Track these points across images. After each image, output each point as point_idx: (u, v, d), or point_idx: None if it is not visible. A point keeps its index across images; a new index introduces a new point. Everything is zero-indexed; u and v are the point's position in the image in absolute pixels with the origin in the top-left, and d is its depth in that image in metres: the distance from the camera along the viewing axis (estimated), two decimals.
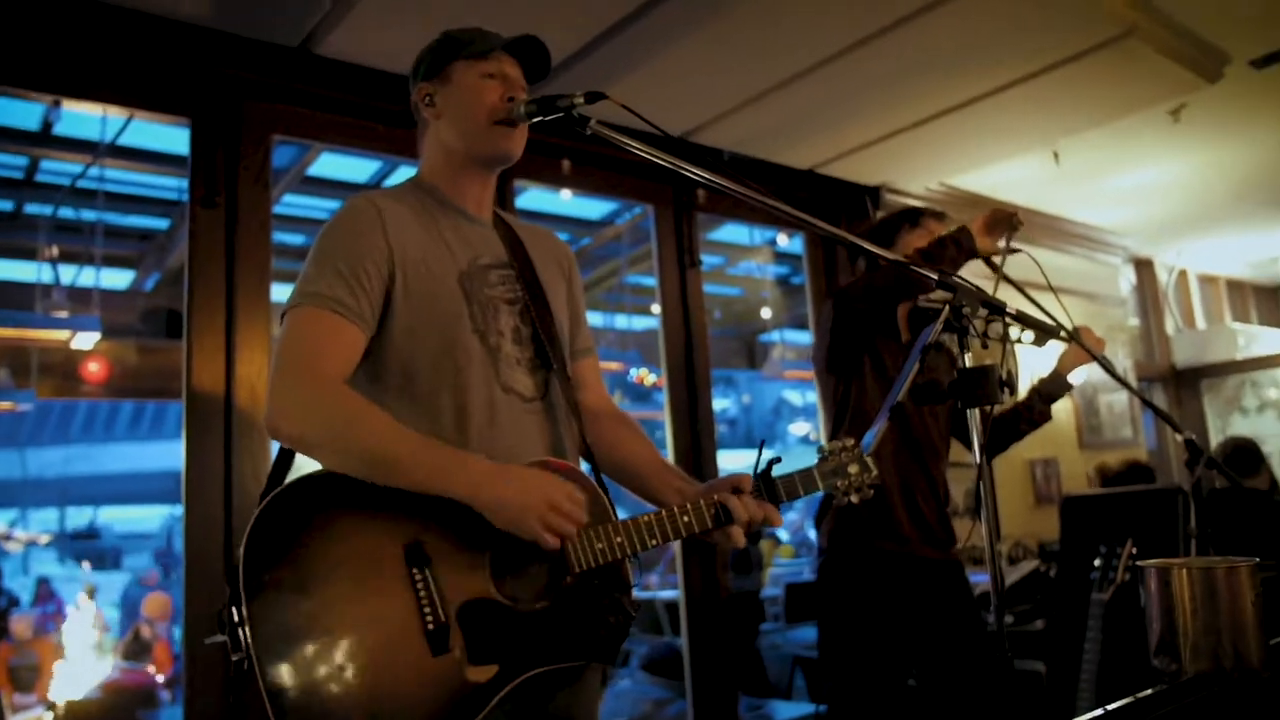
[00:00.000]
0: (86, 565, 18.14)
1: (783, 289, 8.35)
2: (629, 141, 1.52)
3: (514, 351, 1.63)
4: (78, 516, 21.55)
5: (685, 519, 1.56)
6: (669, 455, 4.14)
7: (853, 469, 1.67)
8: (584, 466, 1.66)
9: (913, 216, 2.83)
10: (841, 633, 2.66)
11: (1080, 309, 6.02)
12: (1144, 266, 7.41)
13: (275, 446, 1.54)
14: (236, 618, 1.33)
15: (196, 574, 2.84)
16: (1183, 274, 7.76)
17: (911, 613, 2.61)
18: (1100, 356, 2.45)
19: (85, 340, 4.93)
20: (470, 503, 1.40)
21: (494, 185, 1.78)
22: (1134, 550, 2.84)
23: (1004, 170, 5.02)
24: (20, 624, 7.71)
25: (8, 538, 18.10)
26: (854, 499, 1.68)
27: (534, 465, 1.54)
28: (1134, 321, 7.28)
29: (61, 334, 4.83)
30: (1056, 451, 5.90)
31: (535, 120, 1.58)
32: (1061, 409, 6.09)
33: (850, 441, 1.69)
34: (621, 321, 8.28)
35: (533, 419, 1.63)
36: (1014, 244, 2.56)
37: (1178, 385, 7.47)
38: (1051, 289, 2.50)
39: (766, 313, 8.19)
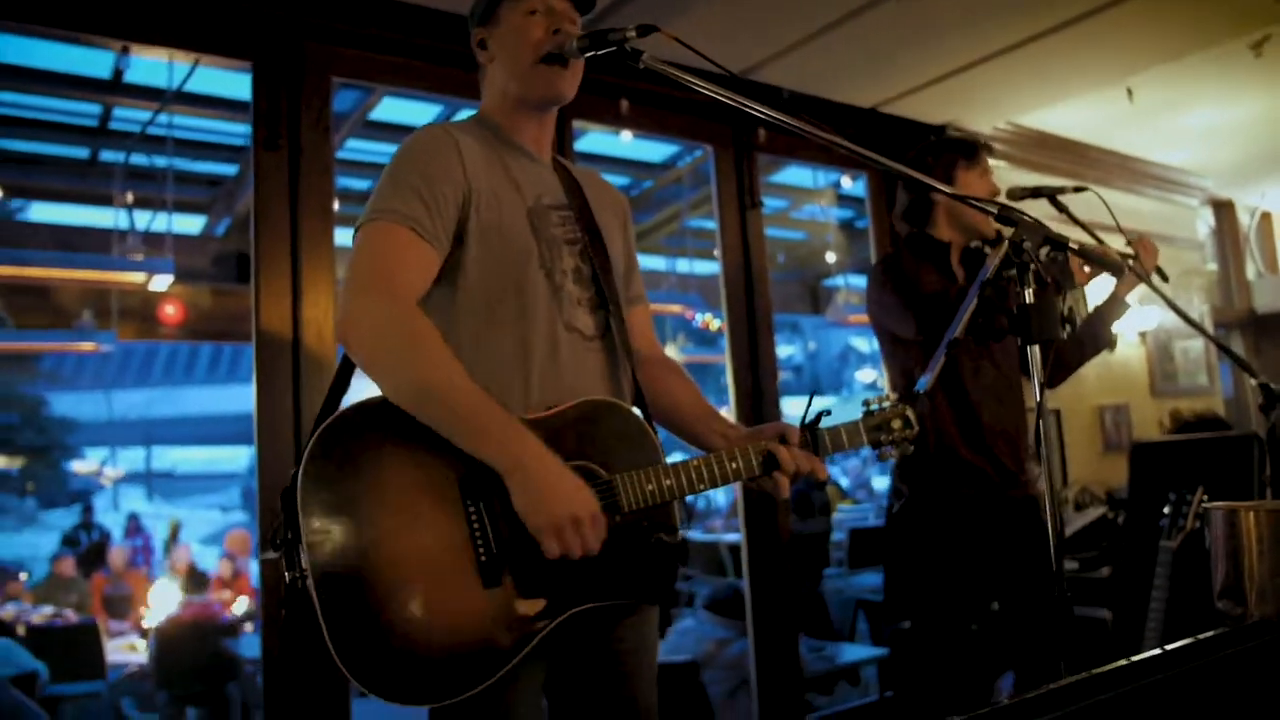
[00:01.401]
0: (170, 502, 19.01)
1: (846, 233, 8.23)
2: (686, 77, 1.50)
3: (576, 291, 1.64)
4: (162, 456, 22.39)
5: (734, 465, 1.58)
6: (730, 401, 4.14)
7: (895, 424, 1.69)
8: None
9: (969, 151, 2.70)
10: (914, 577, 2.65)
11: None
12: (1224, 209, 7.15)
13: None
14: (292, 537, 1.37)
15: (269, 511, 2.93)
16: (1266, 216, 7.48)
17: (987, 553, 2.59)
18: (1150, 278, 2.34)
19: (161, 283, 5.05)
20: (501, 475, 1.40)
21: (552, 126, 1.78)
22: (1205, 498, 2.77)
23: (1075, 109, 4.87)
24: (115, 556, 8.20)
25: (99, 474, 18.99)
26: (894, 453, 1.70)
27: (595, 402, 1.56)
28: (1212, 266, 7.05)
29: (138, 276, 4.96)
30: (1128, 398, 5.77)
31: (587, 56, 1.57)
32: (1133, 355, 5.95)
33: (894, 396, 1.71)
34: (683, 265, 8.25)
35: (594, 357, 1.64)
36: (1080, 184, 2.49)
37: (1257, 332, 7.23)
38: (1120, 229, 2.44)
39: (831, 257, 8.09)
